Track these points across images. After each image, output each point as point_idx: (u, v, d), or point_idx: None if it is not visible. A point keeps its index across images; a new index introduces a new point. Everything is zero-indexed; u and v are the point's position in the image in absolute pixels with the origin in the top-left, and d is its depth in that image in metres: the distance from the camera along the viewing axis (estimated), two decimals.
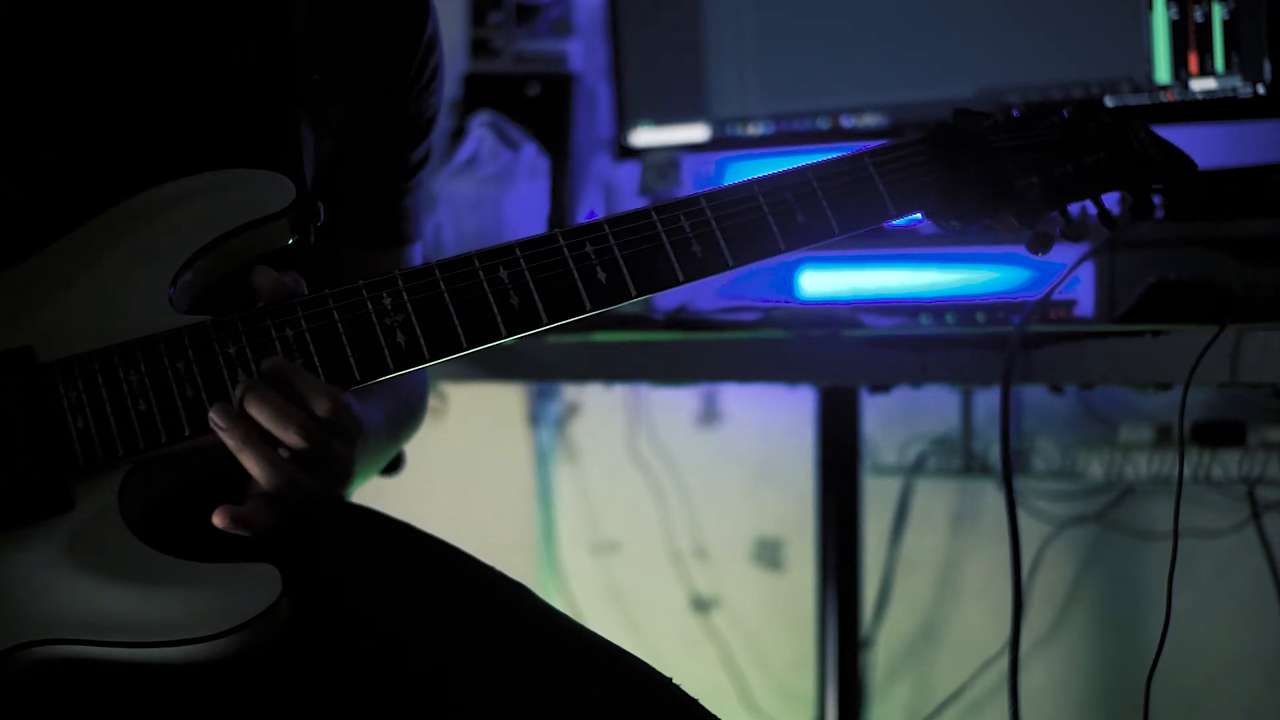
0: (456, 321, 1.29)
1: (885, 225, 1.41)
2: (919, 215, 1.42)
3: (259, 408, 1.22)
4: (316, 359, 1.27)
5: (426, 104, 1.57)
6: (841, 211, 1.37)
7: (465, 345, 1.29)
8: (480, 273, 1.30)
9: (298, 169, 1.44)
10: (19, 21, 1.39)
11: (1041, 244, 1.45)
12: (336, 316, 1.28)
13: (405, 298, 1.28)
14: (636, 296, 1.32)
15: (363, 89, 1.51)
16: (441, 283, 1.29)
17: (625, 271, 1.31)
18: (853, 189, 1.37)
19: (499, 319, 1.29)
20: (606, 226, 1.32)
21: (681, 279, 1.33)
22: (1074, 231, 1.46)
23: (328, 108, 1.48)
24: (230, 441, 1.23)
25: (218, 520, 1.23)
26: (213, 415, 1.23)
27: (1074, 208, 1.47)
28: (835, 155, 1.40)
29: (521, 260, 1.30)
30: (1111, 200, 1.51)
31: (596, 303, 1.31)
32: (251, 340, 1.27)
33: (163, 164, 1.36)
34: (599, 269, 1.31)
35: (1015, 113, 1.48)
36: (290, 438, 1.23)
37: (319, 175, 1.48)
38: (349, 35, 1.50)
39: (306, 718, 1.36)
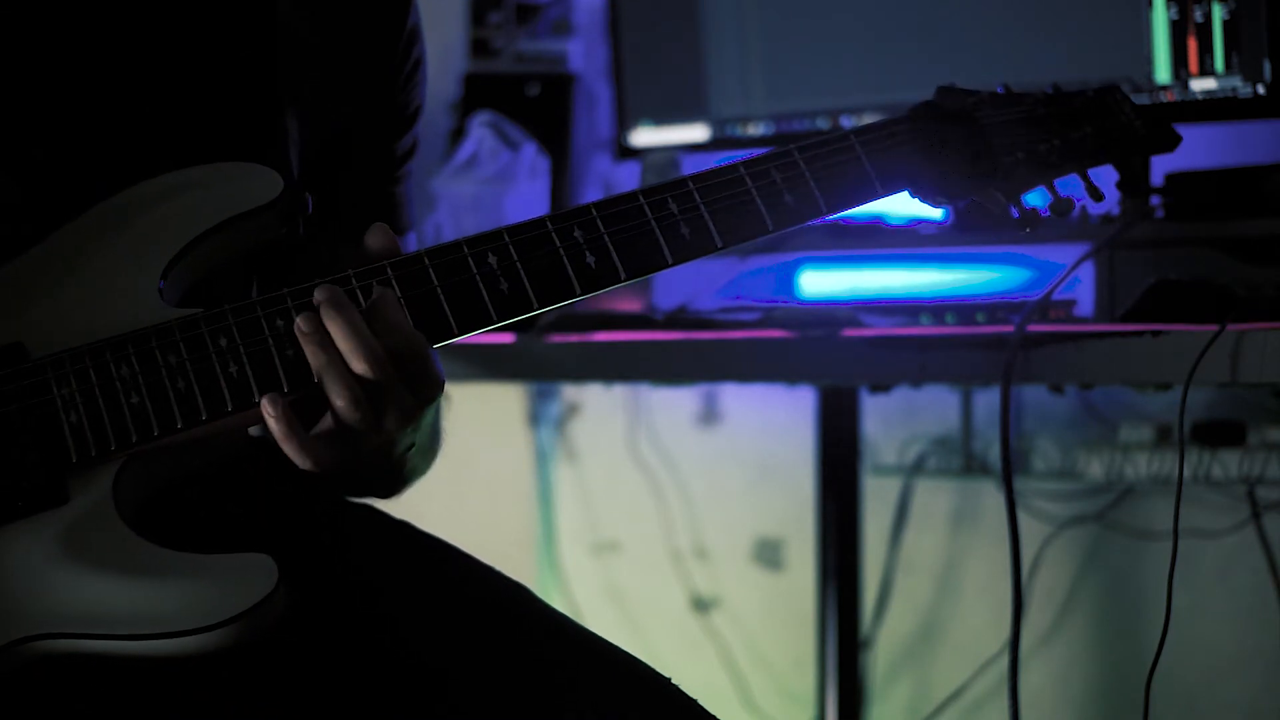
0: (446, 308, 1.29)
1: (872, 201, 1.41)
2: (906, 192, 1.42)
3: (334, 319, 1.24)
4: None
5: (410, 95, 1.57)
6: (828, 189, 1.37)
7: (456, 331, 1.29)
8: (470, 259, 1.30)
9: (284, 160, 1.44)
10: (6, 16, 1.38)
11: (1030, 220, 1.45)
12: None
13: (395, 286, 1.29)
14: (626, 280, 1.32)
15: (346, 80, 1.51)
16: (431, 270, 1.30)
17: (614, 255, 1.32)
18: (839, 166, 1.37)
19: (489, 304, 1.30)
20: (594, 211, 1.33)
21: (670, 261, 1.33)
22: (1061, 206, 1.46)
23: (311, 99, 1.48)
24: (307, 346, 1.24)
25: (266, 406, 1.23)
26: (299, 321, 1.24)
27: (1060, 182, 1.48)
28: (822, 134, 1.40)
29: (510, 246, 1.31)
30: (1101, 179, 1.51)
31: (586, 287, 1.31)
32: (242, 332, 1.27)
33: (149, 158, 1.36)
34: (588, 253, 1.31)
35: (1000, 89, 1.48)
36: (357, 364, 1.23)
37: (306, 167, 1.48)
38: (331, 27, 1.50)
39: (305, 717, 1.36)
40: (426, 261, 1.30)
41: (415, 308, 1.28)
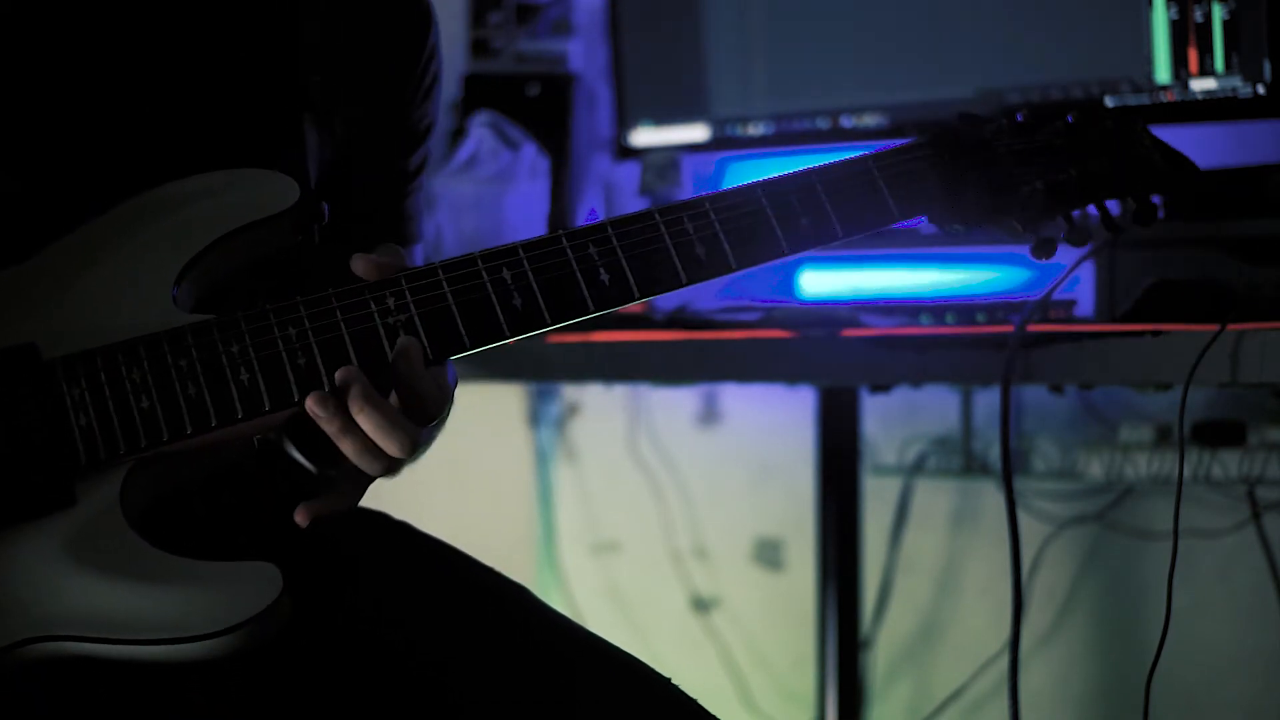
0: (459, 322, 1.29)
1: (888, 227, 1.41)
2: (923, 218, 1.42)
3: (363, 412, 1.24)
4: (319, 357, 1.27)
5: (425, 112, 1.58)
6: (845, 214, 1.36)
7: (469, 345, 1.29)
8: (484, 273, 1.30)
9: (301, 169, 1.44)
10: (27, 18, 1.39)
11: (1045, 250, 1.45)
12: (340, 316, 1.28)
13: (409, 298, 1.29)
14: (640, 298, 1.32)
15: (365, 94, 1.51)
16: (445, 283, 1.29)
17: (629, 273, 1.32)
18: (857, 192, 1.37)
19: (502, 319, 1.29)
20: (610, 228, 1.32)
21: (685, 281, 1.33)
22: (1077, 236, 1.46)
23: (331, 110, 1.48)
24: (331, 428, 1.24)
25: (300, 519, 1.26)
26: (310, 403, 1.24)
27: (1076, 212, 1.47)
28: (840, 159, 1.40)
29: (525, 261, 1.30)
30: (1114, 203, 1.51)
31: (600, 304, 1.31)
32: (254, 339, 1.27)
33: (167, 161, 1.36)
34: (602, 270, 1.31)
35: (1019, 117, 1.47)
36: (391, 450, 1.25)
37: (322, 177, 1.48)
38: (354, 41, 1.51)
39: (308, 718, 1.36)
40: (440, 274, 1.30)
41: (428, 322, 1.28)
